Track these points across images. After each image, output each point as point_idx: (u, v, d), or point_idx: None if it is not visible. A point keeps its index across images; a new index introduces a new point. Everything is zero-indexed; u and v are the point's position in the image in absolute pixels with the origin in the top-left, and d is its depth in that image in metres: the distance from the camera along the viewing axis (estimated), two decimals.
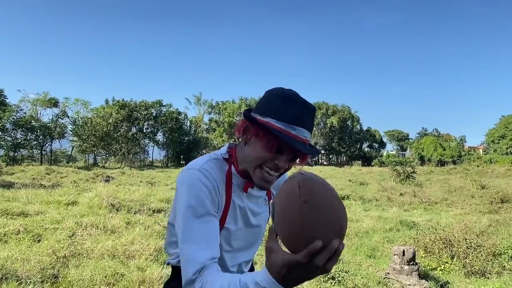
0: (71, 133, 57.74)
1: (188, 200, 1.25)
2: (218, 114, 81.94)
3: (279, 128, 1.22)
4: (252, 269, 1.68)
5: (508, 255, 7.06)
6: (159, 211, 8.35)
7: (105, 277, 4.24)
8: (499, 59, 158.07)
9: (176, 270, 1.47)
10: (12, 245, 5.11)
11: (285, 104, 1.24)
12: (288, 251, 0.93)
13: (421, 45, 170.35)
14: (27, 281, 3.84)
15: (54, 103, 55.84)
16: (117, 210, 7.75)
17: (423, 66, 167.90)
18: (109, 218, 6.82)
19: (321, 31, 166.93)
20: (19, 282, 3.75)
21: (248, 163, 1.32)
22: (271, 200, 1.32)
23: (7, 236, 5.49)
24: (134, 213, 7.75)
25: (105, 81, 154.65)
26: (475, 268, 6.41)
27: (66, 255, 4.92)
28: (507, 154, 78.64)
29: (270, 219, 1.17)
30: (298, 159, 1.31)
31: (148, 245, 5.47)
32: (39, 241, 5.50)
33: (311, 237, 0.87)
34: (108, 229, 6.31)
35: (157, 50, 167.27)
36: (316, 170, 43.07)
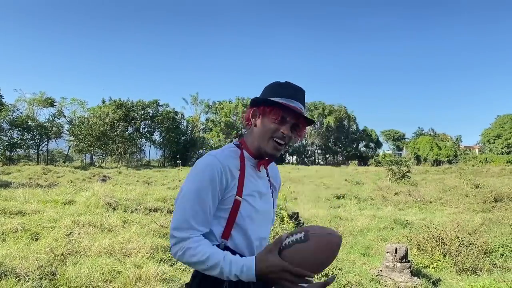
0: (68, 132, 57.59)
1: (196, 179, 1.53)
2: (215, 114, 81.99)
3: (281, 102, 1.58)
4: None
5: (499, 253, 7.19)
6: (155, 210, 8.42)
7: (102, 274, 4.32)
8: (494, 59, 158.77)
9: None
10: (10, 243, 5.18)
11: (282, 87, 1.64)
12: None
13: (418, 45, 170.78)
14: (26, 278, 3.91)
15: (51, 102, 55.69)
16: (114, 209, 7.82)
17: (419, 66, 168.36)
18: (106, 217, 6.89)
19: (318, 30, 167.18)
20: (18, 278, 3.82)
21: (260, 139, 1.62)
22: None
23: (5, 235, 5.56)
24: (131, 212, 7.82)
25: (101, 81, 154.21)
26: (466, 266, 6.52)
27: (64, 253, 4.99)
28: (502, 154, 79.00)
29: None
30: (298, 129, 1.65)
31: (144, 243, 5.55)
32: (37, 239, 5.57)
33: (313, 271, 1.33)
34: (105, 227, 6.38)
35: (154, 50, 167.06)
36: (312, 170, 43.22)
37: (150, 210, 8.32)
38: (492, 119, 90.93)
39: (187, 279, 4.76)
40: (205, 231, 1.50)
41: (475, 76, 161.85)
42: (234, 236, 1.56)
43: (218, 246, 1.51)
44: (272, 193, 1.78)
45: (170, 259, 5.38)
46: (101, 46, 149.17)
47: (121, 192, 9.33)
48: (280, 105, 1.57)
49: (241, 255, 1.50)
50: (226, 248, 1.53)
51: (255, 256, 1.40)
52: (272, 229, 7.78)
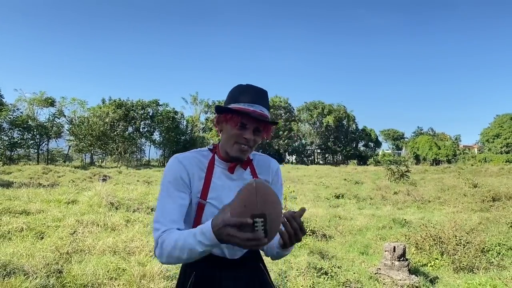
0: (68, 132, 57.73)
1: (163, 181, 1.65)
2: (215, 113, 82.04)
3: (238, 107, 1.62)
4: (257, 254, 1.87)
5: (496, 252, 7.30)
6: None
7: (108, 272, 4.43)
8: (494, 59, 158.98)
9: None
10: (17, 242, 5.29)
11: (242, 93, 1.66)
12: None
13: (417, 44, 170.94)
14: (34, 275, 4.02)
15: (51, 102, 55.82)
16: (116, 209, 7.93)
17: (419, 65, 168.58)
18: (109, 216, 7.00)
19: (317, 30, 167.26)
20: (26, 276, 3.93)
21: (226, 145, 1.68)
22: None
23: (11, 233, 5.66)
24: (133, 212, 7.93)
25: (101, 81, 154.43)
26: (463, 264, 6.63)
27: (69, 252, 5.10)
28: (501, 153, 79.18)
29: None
30: (261, 132, 1.68)
31: (147, 242, 5.66)
32: (42, 238, 5.68)
33: (251, 213, 1.32)
34: (108, 226, 6.49)
35: (154, 50, 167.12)
36: (312, 169, 43.32)
37: (151, 210, 8.42)
38: (491, 119, 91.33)
39: None
40: (175, 227, 1.55)
41: (474, 76, 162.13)
42: None
43: None
44: None
45: None
46: (101, 46, 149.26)
47: (123, 192, 9.43)
48: (239, 112, 1.60)
49: (211, 253, 1.67)
50: None
51: (213, 219, 1.39)
52: None
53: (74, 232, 6.08)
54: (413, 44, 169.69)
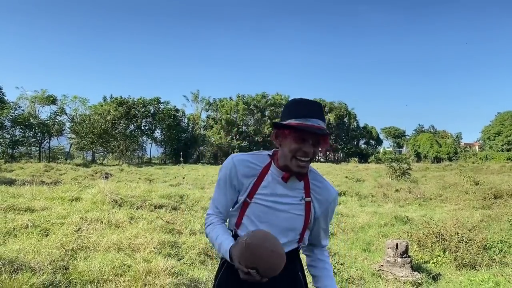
0: (69, 130, 57.82)
1: (219, 174, 1.93)
2: (216, 111, 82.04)
3: (297, 123, 1.71)
4: (296, 255, 2.03)
5: (498, 249, 7.33)
6: (160, 206, 8.56)
7: (113, 268, 4.47)
8: (495, 57, 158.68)
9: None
10: (22, 238, 5.32)
11: (297, 106, 1.76)
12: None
13: (418, 42, 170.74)
14: (40, 271, 4.06)
15: (52, 100, 55.88)
16: (120, 206, 7.95)
17: (420, 63, 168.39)
18: (113, 213, 7.02)
19: (318, 27, 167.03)
20: (33, 272, 3.97)
21: (285, 158, 1.78)
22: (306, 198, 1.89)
23: (16, 230, 5.69)
24: (136, 209, 7.95)
25: (103, 78, 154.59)
26: (465, 261, 6.67)
27: (74, 248, 5.13)
28: (502, 151, 79.08)
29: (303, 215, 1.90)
30: (320, 143, 1.78)
31: (152, 238, 5.69)
32: (47, 235, 5.71)
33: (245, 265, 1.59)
34: (113, 223, 6.52)
35: (155, 48, 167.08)
36: (313, 167, 43.30)
37: (155, 207, 8.45)
38: (493, 116, 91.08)
39: (194, 273, 4.92)
40: (224, 212, 1.94)
41: (475, 74, 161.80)
42: (246, 227, 1.88)
43: (231, 231, 1.93)
44: (302, 205, 1.89)
45: (177, 255, 5.53)
46: (103, 44, 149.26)
47: (126, 189, 9.45)
48: (297, 128, 1.70)
49: None
50: (236, 235, 1.88)
51: (230, 247, 1.71)
52: None
53: (79, 229, 6.10)
54: (414, 41, 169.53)
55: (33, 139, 52.36)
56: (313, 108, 1.75)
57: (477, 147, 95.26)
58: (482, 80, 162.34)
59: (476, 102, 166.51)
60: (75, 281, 4.13)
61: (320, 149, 1.82)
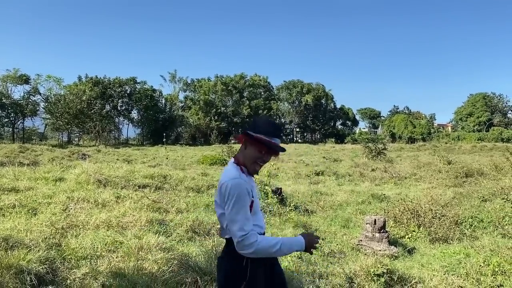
0: (44, 110, 56.52)
1: (238, 198, 2.24)
2: (194, 92, 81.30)
3: (266, 139, 2.30)
4: None
5: (469, 224, 7.76)
6: (144, 186, 8.68)
7: (105, 244, 4.61)
8: (469, 40, 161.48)
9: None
10: (11, 218, 5.39)
11: (267, 126, 2.35)
12: None
13: (394, 25, 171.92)
14: (35, 248, 4.17)
15: (25, 79, 54.33)
16: (105, 186, 8.03)
17: (395, 45, 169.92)
18: (99, 193, 7.12)
19: (297, 9, 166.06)
20: (28, 249, 4.08)
21: (247, 161, 2.37)
22: None
23: (4, 210, 5.75)
24: (121, 189, 8.05)
25: (78, 58, 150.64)
26: (439, 235, 7.05)
27: (64, 227, 5.24)
28: (473, 132, 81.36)
29: None
30: (274, 155, 2.42)
31: (140, 217, 5.84)
32: (35, 214, 5.78)
33: None
34: (99, 203, 6.61)
35: (131, 26, 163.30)
36: (291, 148, 43.75)
37: (139, 187, 8.56)
38: (465, 98, 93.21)
39: (184, 249, 5.11)
40: (252, 227, 2.29)
41: (449, 56, 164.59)
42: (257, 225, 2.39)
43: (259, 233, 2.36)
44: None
45: (166, 232, 5.70)
46: (77, 23, 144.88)
47: (109, 170, 9.51)
48: (267, 142, 2.30)
49: (264, 233, 2.47)
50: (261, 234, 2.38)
51: (302, 236, 2.39)
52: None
53: (66, 208, 6.19)
54: (390, 25, 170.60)
55: (6, 120, 50.99)
56: (279, 129, 2.42)
57: (450, 127, 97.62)
58: (456, 62, 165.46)
59: (450, 84, 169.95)
60: (69, 257, 4.26)
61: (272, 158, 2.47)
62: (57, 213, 5.78)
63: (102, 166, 10.16)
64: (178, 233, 5.73)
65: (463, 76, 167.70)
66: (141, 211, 6.25)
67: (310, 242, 2.37)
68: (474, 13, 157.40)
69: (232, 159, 2.48)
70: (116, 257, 4.38)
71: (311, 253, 2.45)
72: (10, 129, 53.19)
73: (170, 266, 4.21)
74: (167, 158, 26.63)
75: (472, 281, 4.73)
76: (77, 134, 64.27)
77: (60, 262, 4.11)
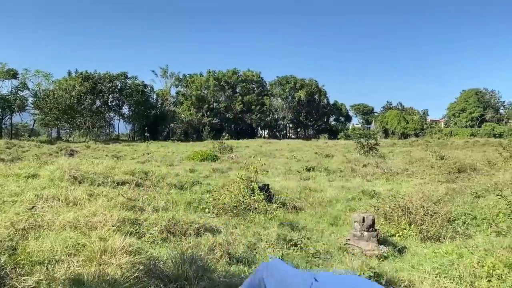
0: (32, 106, 55.67)
1: None
2: (186, 87, 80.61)
3: None
4: None
5: (461, 221, 7.43)
6: (123, 183, 8.28)
7: (66, 247, 4.20)
8: (462, 36, 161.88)
9: None
10: None
11: None
12: None
13: (387, 21, 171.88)
14: None
15: (13, 74, 53.40)
16: (80, 183, 7.62)
17: (389, 41, 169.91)
18: (71, 190, 6.70)
19: (291, 5, 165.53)
20: None
21: None
22: None
23: None
24: (98, 186, 7.64)
25: (67, 53, 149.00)
26: (430, 234, 6.72)
27: (25, 227, 4.82)
28: (466, 127, 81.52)
29: None
30: None
31: (111, 216, 5.43)
32: None
33: None
34: (70, 201, 6.21)
35: (121, 19, 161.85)
36: (284, 143, 43.43)
37: (118, 184, 8.17)
38: (458, 94, 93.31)
39: (155, 251, 4.71)
40: None
41: (442, 52, 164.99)
42: None
43: None
44: None
45: (138, 232, 5.30)
46: (65, 16, 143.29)
47: (87, 166, 9.08)
48: None
49: None
50: None
51: None
52: (243, 201, 7.78)
53: (33, 207, 5.77)
54: (383, 20, 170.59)
55: None
56: None
57: (442, 123, 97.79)
58: (449, 58, 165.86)
59: (443, 80, 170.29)
60: (22, 262, 3.85)
61: None
62: (21, 213, 5.34)
63: (80, 162, 9.72)
64: (151, 234, 5.33)
65: (457, 72, 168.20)
66: (113, 209, 5.83)
67: None
68: (467, 9, 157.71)
69: None
70: (77, 262, 3.97)
71: None
72: None
73: (135, 272, 3.81)
74: (148, 154, 26.19)
75: (466, 285, 4.37)
76: (67, 130, 63.42)
77: (12, 268, 3.69)
